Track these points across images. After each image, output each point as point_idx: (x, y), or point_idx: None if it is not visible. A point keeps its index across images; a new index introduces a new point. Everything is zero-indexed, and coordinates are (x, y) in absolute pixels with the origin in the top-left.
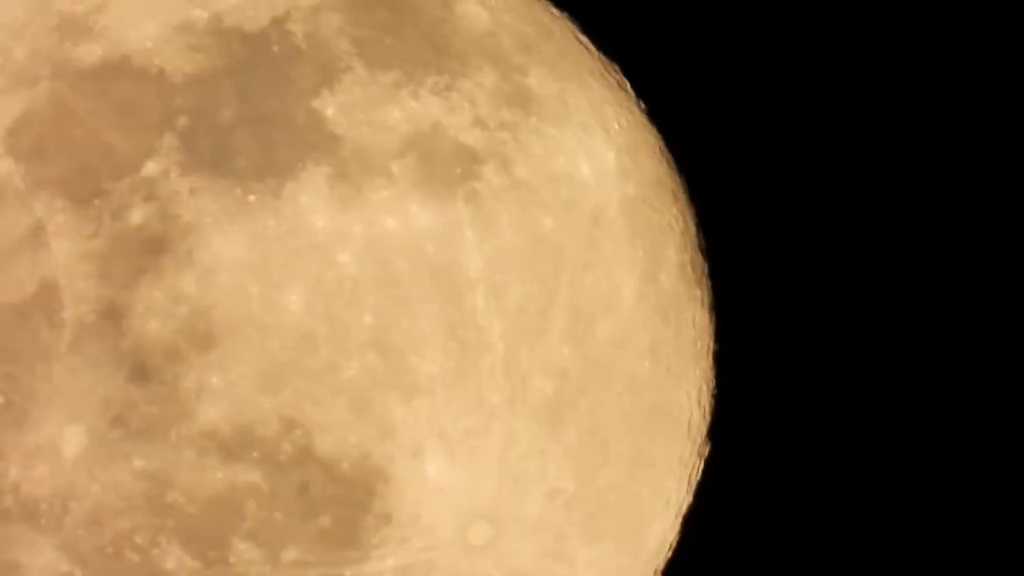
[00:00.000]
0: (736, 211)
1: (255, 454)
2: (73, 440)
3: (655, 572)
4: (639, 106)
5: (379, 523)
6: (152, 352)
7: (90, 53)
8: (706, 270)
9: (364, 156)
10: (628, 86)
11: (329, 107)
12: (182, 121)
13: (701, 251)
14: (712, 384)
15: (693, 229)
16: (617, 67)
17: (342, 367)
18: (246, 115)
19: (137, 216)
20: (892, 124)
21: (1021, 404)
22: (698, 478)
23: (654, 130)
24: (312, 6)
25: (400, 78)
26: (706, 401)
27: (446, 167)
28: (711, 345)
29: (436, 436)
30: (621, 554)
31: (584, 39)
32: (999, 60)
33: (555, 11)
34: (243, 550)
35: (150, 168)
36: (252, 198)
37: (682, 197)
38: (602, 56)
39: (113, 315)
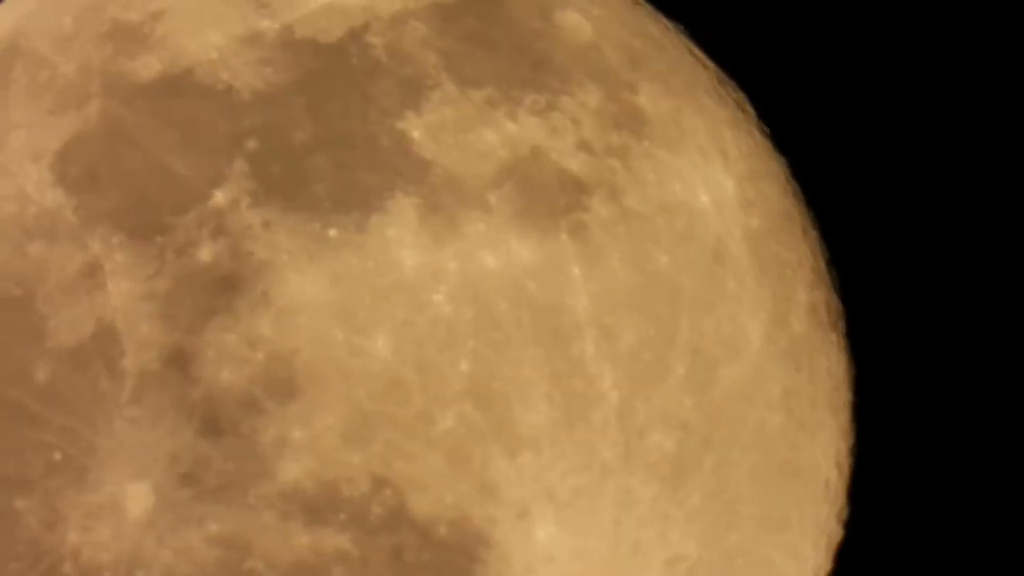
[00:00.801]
0: (874, 247)
1: (342, 516)
2: (138, 500)
3: None
4: (761, 129)
5: None
6: (225, 403)
7: (147, 67)
8: (841, 312)
9: (457, 184)
10: (748, 106)
11: (416, 129)
12: (252, 144)
13: (835, 291)
14: (850, 440)
15: (825, 267)
16: (736, 84)
17: (437, 418)
18: (323, 137)
19: (205, 253)
20: None
21: None
22: (836, 543)
23: (779, 156)
24: (394, 16)
25: (494, 96)
26: (844, 459)
27: (548, 197)
28: (848, 396)
29: (543, 496)
30: None
31: (699, 53)
32: None
33: (667, 21)
34: None
35: (218, 198)
36: (333, 232)
37: (812, 232)
38: (719, 72)
39: (180, 362)
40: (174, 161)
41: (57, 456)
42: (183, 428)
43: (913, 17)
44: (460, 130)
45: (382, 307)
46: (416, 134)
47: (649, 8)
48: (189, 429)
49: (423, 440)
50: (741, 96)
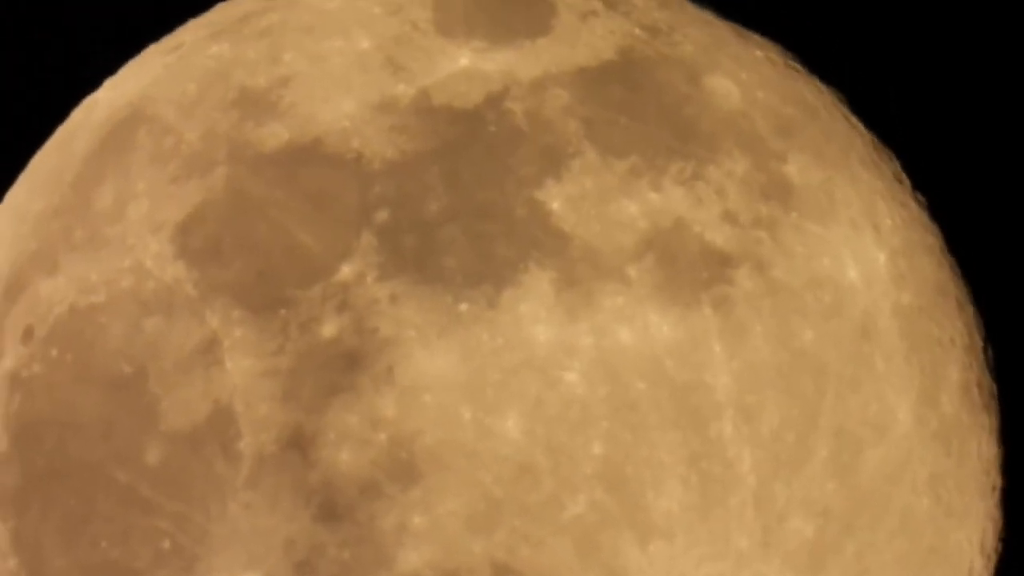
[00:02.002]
0: None
1: None
2: None
3: None
4: (916, 199)
5: None
6: (344, 487)
7: (275, 135)
8: (995, 393)
9: (595, 257)
10: (904, 176)
11: (555, 199)
12: (382, 215)
13: (989, 370)
14: (999, 526)
15: (980, 344)
16: (892, 152)
17: (567, 504)
18: (457, 208)
19: (329, 328)
20: None
21: None
22: None
23: (934, 228)
24: (534, 81)
25: (638, 165)
26: (991, 546)
27: (691, 270)
28: (998, 480)
29: None
30: None
31: (854, 119)
32: None
33: (821, 86)
34: None
35: (345, 272)
36: (464, 307)
37: (967, 307)
38: (875, 139)
39: (299, 444)
40: (300, 233)
41: (167, 544)
42: (300, 514)
43: None
44: (601, 201)
45: (512, 386)
46: (555, 205)
47: (803, 72)
48: (306, 515)
49: (551, 527)
50: (897, 165)
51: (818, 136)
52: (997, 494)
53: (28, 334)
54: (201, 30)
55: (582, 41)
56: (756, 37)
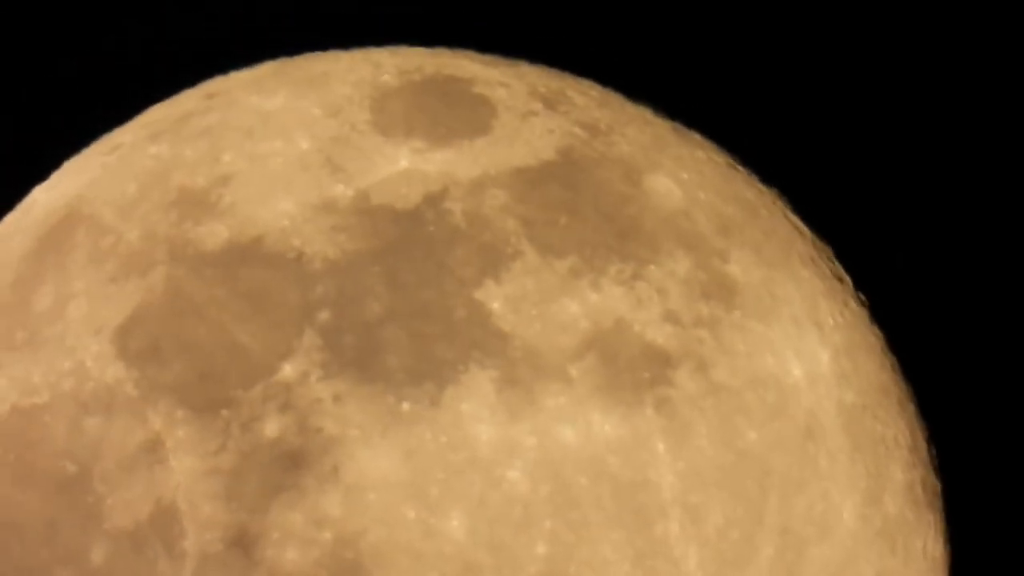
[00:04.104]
0: (972, 423)
1: None
2: None
3: None
4: (858, 299)
5: None
6: None
7: (214, 234)
8: (939, 491)
9: (536, 357)
10: (845, 275)
11: (495, 299)
12: (324, 315)
13: (933, 470)
14: None
15: (924, 444)
16: (833, 252)
17: None
18: (398, 308)
19: (272, 428)
20: None
21: None
22: None
23: (875, 328)
24: (473, 181)
25: (578, 265)
26: None
27: (632, 370)
28: None
29: None
30: None
31: (795, 219)
32: None
33: (761, 186)
34: None
35: (286, 371)
36: (406, 406)
37: (909, 407)
38: (815, 238)
39: (243, 543)
40: (241, 332)
41: None
42: None
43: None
44: (541, 300)
45: (455, 485)
46: (495, 305)
47: (743, 172)
48: None
49: None
50: (837, 264)
51: (759, 235)
52: None
53: None
54: (140, 130)
55: (521, 140)
56: (696, 136)
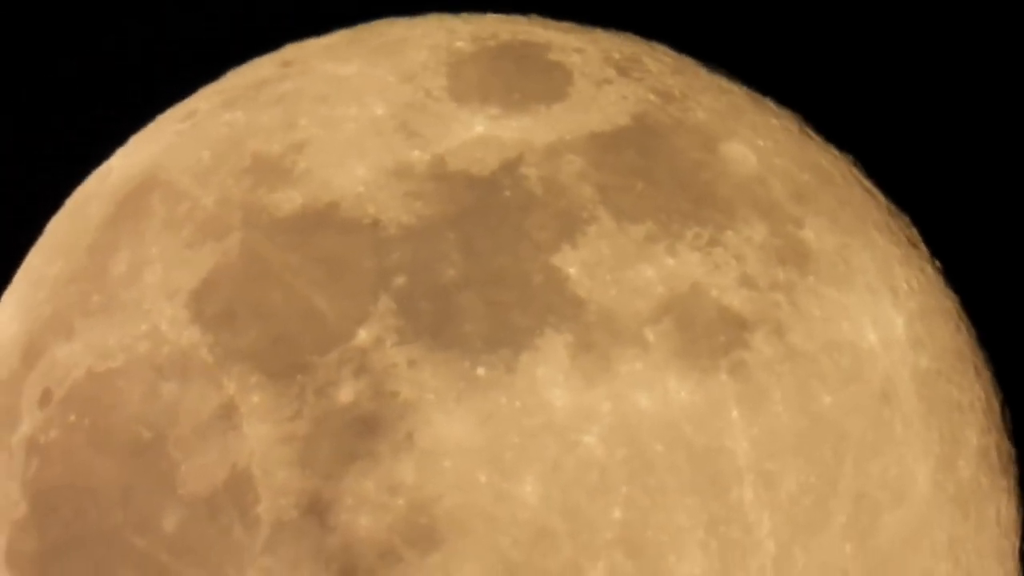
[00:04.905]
0: None
1: None
2: None
3: None
4: (933, 264)
5: None
6: (363, 553)
7: (289, 200)
8: (1013, 456)
9: (612, 322)
10: (920, 241)
11: (571, 264)
12: (399, 281)
13: (1008, 435)
14: None
15: (998, 409)
16: (909, 218)
17: (586, 569)
18: (473, 273)
19: (346, 393)
20: None
21: None
22: None
23: (951, 293)
24: (549, 147)
25: (654, 231)
26: None
27: (709, 335)
28: (1017, 544)
29: None
30: None
31: (870, 185)
32: None
33: (837, 153)
34: None
35: (362, 337)
36: (481, 371)
37: (985, 372)
38: (890, 205)
39: (317, 510)
40: (316, 298)
41: None
42: None
43: None
44: (617, 266)
45: (531, 450)
46: (571, 270)
47: (819, 139)
48: None
49: None
50: (913, 230)
51: (834, 202)
52: (1017, 557)
53: (46, 399)
54: (215, 97)
55: (596, 107)
56: (771, 104)
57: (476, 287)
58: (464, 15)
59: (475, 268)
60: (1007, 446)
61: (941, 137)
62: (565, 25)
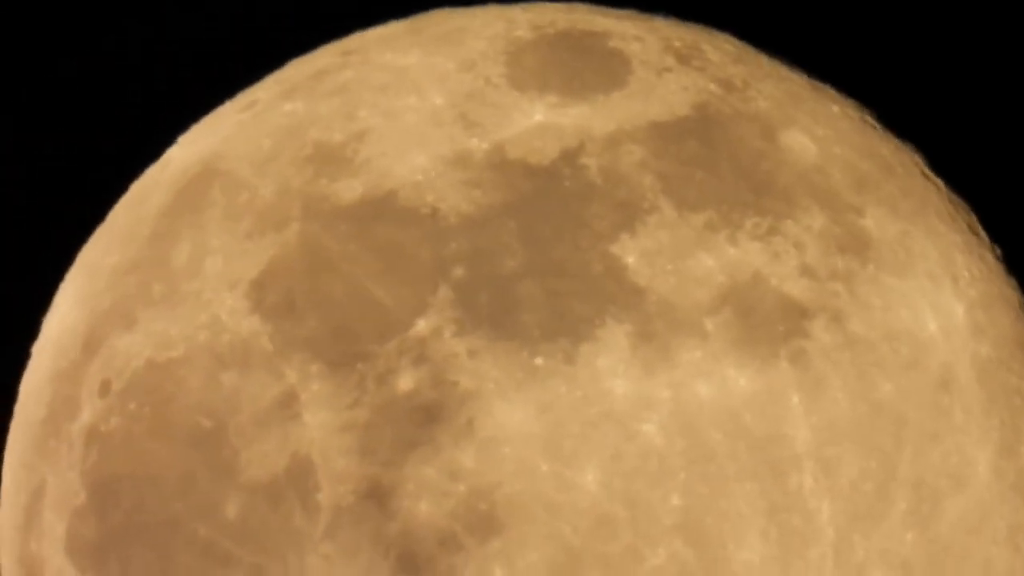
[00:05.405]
0: None
1: None
2: None
3: None
4: (994, 253)
5: None
6: (423, 539)
7: (349, 189)
8: None
9: (672, 311)
10: (981, 229)
11: (630, 254)
12: (458, 271)
13: None
14: None
15: None
16: (969, 206)
17: (646, 555)
18: (533, 263)
19: (406, 382)
20: None
21: None
22: None
23: (1012, 281)
24: (609, 136)
25: (714, 220)
26: None
27: (768, 323)
28: None
29: None
30: None
31: (930, 173)
32: None
33: (897, 141)
34: None
35: (421, 327)
36: (540, 361)
37: None
38: (951, 193)
39: (377, 496)
40: (376, 288)
41: None
42: (379, 566)
43: None
44: (677, 255)
45: (591, 438)
46: (630, 259)
47: (879, 128)
48: (385, 567)
49: None
50: (974, 219)
51: (894, 191)
52: None
53: (105, 388)
54: (275, 87)
55: (657, 96)
56: (831, 91)
57: (535, 277)
58: (523, 4)
59: (534, 258)
60: None
61: (1002, 127)
62: (624, 12)
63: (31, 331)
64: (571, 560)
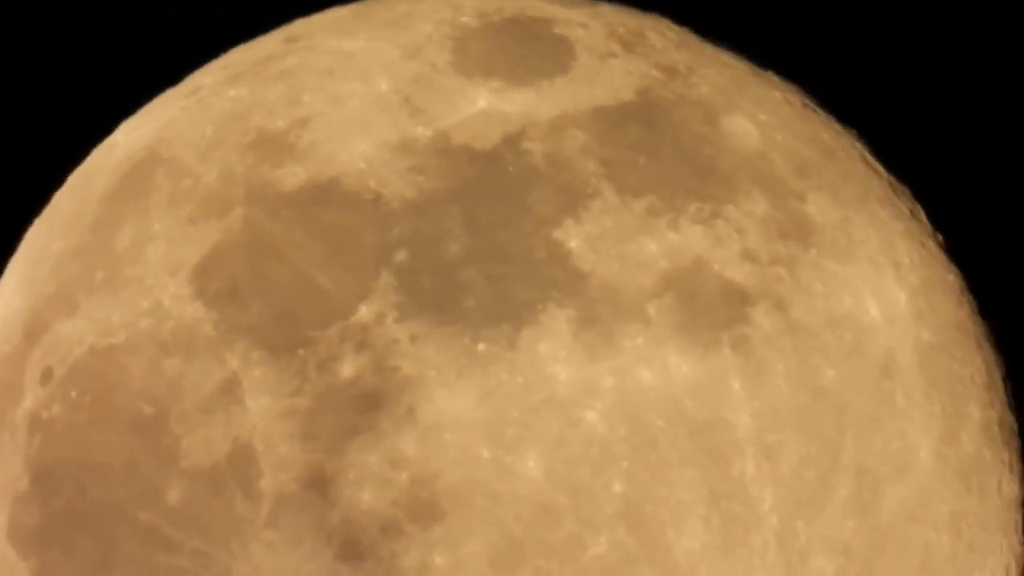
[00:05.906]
0: None
1: None
2: None
3: None
4: (935, 239)
5: None
6: (365, 526)
7: (293, 175)
8: (1015, 430)
9: (615, 296)
10: (922, 215)
11: (573, 239)
12: (401, 256)
13: (1010, 408)
14: (1021, 562)
15: (1000, 383)
16: (910, 193)
17: (588, 543)
18: (475, 248)
19: (348, 368)
20: None
21: None
22: None
23: (953, 267)
24: (552, 122)
25: (656, 205)
26: None
27: (711, 309)
28: (1020, 518)
29: None
30: None
31: (872, 160)
32: None
33: (838, 127)
34: None
35: (363, 312)
36: (482, 347)
37: (987, 345)
38: (892, 179)
39: (319, 483)
40: (318, 274)
41: None
42: (321, 552)
43: None
44: (620, 240)
45: (532, 425)
46: (574, 244)
47: (821, 114)
48: (327, 553)
49: (574, 566)
50: (916, 205)
51: (836, 176)
52: (1020, 530)
53: (47, 375)
54: (220, 72)
55: (600, 82)
56: (774, 78)
57: (478, 262)
58: None
59: (477, 243)
60: (1009, 419)
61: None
62: (569, 0)
63: None
64: (513, 547)
